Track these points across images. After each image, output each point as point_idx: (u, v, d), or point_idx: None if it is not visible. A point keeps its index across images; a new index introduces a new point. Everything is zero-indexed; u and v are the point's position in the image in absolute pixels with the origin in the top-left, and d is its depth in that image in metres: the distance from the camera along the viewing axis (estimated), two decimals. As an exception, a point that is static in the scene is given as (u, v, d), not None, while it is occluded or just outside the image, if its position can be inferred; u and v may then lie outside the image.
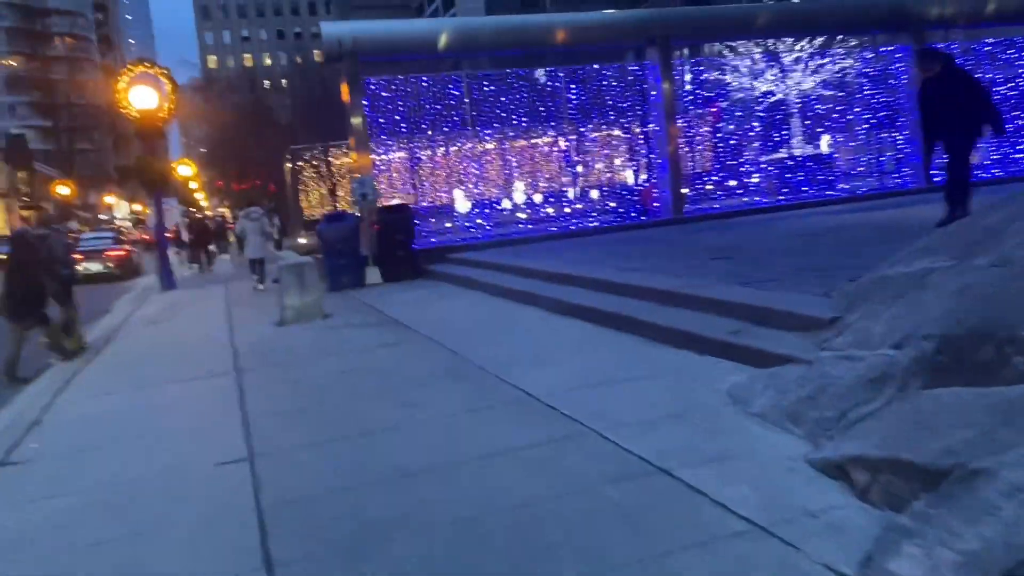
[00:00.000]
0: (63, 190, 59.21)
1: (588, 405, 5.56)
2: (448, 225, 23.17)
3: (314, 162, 33.16)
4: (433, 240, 18.42)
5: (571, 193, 20.73)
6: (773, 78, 20.71)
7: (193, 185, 70.59)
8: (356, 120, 16.82)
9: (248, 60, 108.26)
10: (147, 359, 10.00)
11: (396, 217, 15.70)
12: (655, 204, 19.64)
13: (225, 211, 57.94)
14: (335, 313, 11.83)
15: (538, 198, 21.84)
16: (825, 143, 21.15)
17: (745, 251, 11.41)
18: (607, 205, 19.81)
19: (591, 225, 18.86)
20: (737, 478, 4.07)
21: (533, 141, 20.03)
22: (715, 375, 5.90)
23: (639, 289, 8.69)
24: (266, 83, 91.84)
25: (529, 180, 21.01)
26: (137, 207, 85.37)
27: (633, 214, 19.44)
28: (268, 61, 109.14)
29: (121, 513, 4.62)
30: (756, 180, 20.48)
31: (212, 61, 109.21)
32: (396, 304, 12.26)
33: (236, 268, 27.04)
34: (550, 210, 20.82)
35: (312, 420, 6.16)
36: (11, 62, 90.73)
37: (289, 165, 38.15)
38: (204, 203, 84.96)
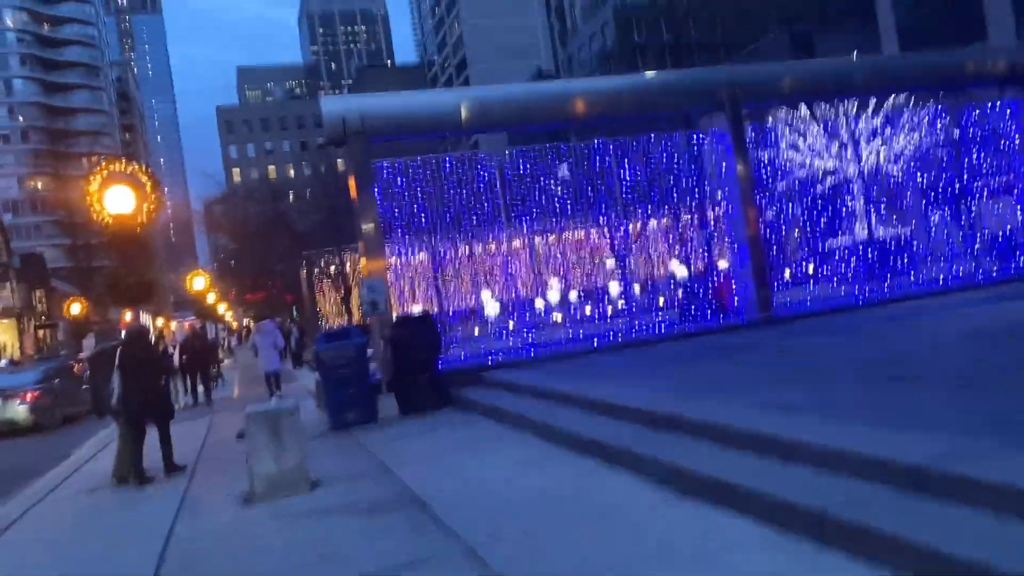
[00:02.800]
0: (76, 307, 56.81)
1: None
2: (477, 332, 19.67)
3: (329, 268, 30.14)
4: (463, 357, 14.85)
5: (628, 290, 17.18)
6: (865, 144, 17.34)
7: (212, 297, 68.47)
8: (365, 212, 13.57)
9: (272, 172, 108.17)
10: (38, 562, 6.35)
11: (416, 331, 12.18)
12: (734, 301, 16.01)
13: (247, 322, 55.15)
14: (328, 479, 8.17)
15: (575, 296, 18.35)
16: (932, 220, 17.57)
17: (927, 367, 7.75)
18: (673, 304, 16.19)
19: (659, 331, 15.19)
20: None
21: (579, 230, 16.64)
22: None
23: (851, 460, 4.92)
24: (289, 194, 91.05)
25: (575, 277, 17.53)
26: (161, 322, 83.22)
27: (708, 314, 15.78)
28: (291, 172, 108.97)
29: None
30: (851, 266, 16.83)
31: (236, 174, 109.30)
32: (416, 459, 8.58)
33: (241, 388, 23.56)
34: (595, 309, 17.27)
35: None
36: (36, 183, 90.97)
37: (305, 272, 35.32)
38: (228, 316, 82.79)
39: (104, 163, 17.26)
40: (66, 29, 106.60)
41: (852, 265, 16.68)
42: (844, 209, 17.32)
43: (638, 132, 16.18)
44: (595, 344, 14.67)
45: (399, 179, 14.11)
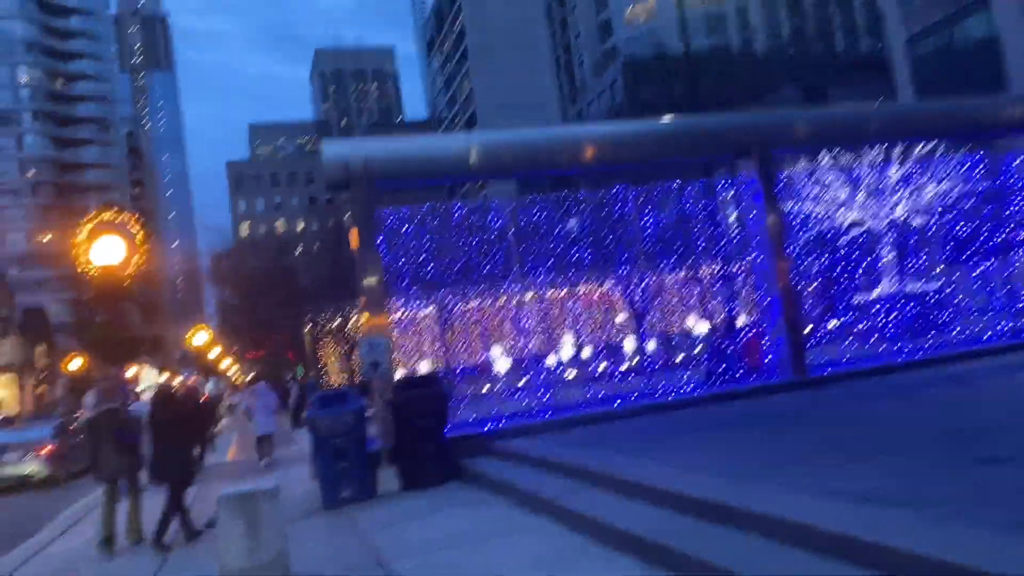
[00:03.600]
0: (76, 363, 55.65)
1: None
2: (486, 390, 18.50)
3: (333, 325, 29.07)
4: (471, 420, 13.64)
5: (647, 347, 16.02)
6: (897, 194, 16.32)
7: (216, 353, 67.29)
8: (368, 262, 12.52)
9: (280, 226, 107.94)
10: None
11: (421, 394, 11.00)
12: (765, 359, 14.82)
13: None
14: (312, 574, 6.95)
15: (589, 353, 17.25)
16: (974, 272, 16.44)
17: (1016, 443, 6.59)
18: (700, 363, 15.00)
19: (685, 392, 13.96)
20: None
21: (596, 283, 15.58)
22: None
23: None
24: (296, 249, 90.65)
25: (591, 332, 16.43)
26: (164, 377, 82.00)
27: (739, 374, 14.57)
28: (300, 227, 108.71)
29: None
30: (889, 322, 15.67)
31: (244, 228, 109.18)
32: (416, 550, 7.34)
33: (237, 450, 22.28)
34: (612, 367, 16.09)
35: None
36: (43, 236, 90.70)
37: (308, 328, 34.28)
38: (233, 372, 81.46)
39: (94, 212, 16.36)
40: (79, 86, 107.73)
41: (890, 321, 15.50)
42: (871, 261, 16.24)
43: (655, 180, 15.21)
44: (616, 406, 13.47)
45: (405, 227, 13.09)
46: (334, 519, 9.53)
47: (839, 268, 15.56)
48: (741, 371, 14.70)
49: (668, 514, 6.26)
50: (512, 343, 15.35)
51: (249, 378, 44.19)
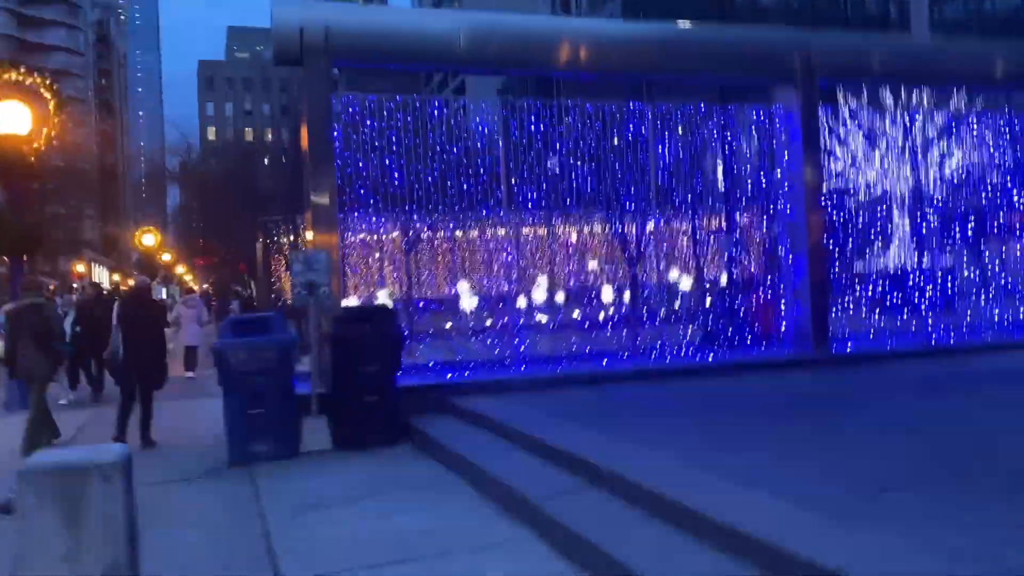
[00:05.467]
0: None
1: None
2: (449, 327, 16.20)
3: (288, 238, 26.47)
4: (431, 365, 11.36)
5: (639, 296, 13.78)
6: (962, 149, 14.04)
7: (167, 257, 64.10)
8: (319, 161, 10.00)
9: (249, 134, 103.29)
10: None
11: (370, 331, 8.61)
12: (780, 326, 12.66)
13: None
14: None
15: (560, 296, 14.99)
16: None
17: None
18: (705, 326, 12.78)
19: (685, 357, 11.77)
20: None
21: (592, 218, 13.22)
22: None
23: None
24: (265, 159, 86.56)
25: (579, 275, 14.15)
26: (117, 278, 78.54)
27: (747, 342, 12.39)
28: (269, 136, 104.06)
29: None
30: (923, 297, 13.54)
31: (211, 133, 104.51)
32: (329, 553, 5.05)
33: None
34: (589, 314, 13.87)
35: None
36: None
37: (261, 240, 31.63)
38: (191, 280, 78.20)
39: (-4, 70, 13.51)
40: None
41: (926, 295, 13.37)
42: (913, 225, 14.03)
43: (666, 101, 12.75)
44: (605, 365, 11.26)
45: (369, 122, 10.53)
46: (235, 486, 7.21)
47: (873, 229, 13.34)
48: (750, 339, 12.53)
49: (709, 547, 4.02)
50: (486, 279, 12.98)
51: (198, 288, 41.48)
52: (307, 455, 8.23)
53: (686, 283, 13.99)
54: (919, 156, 14.57)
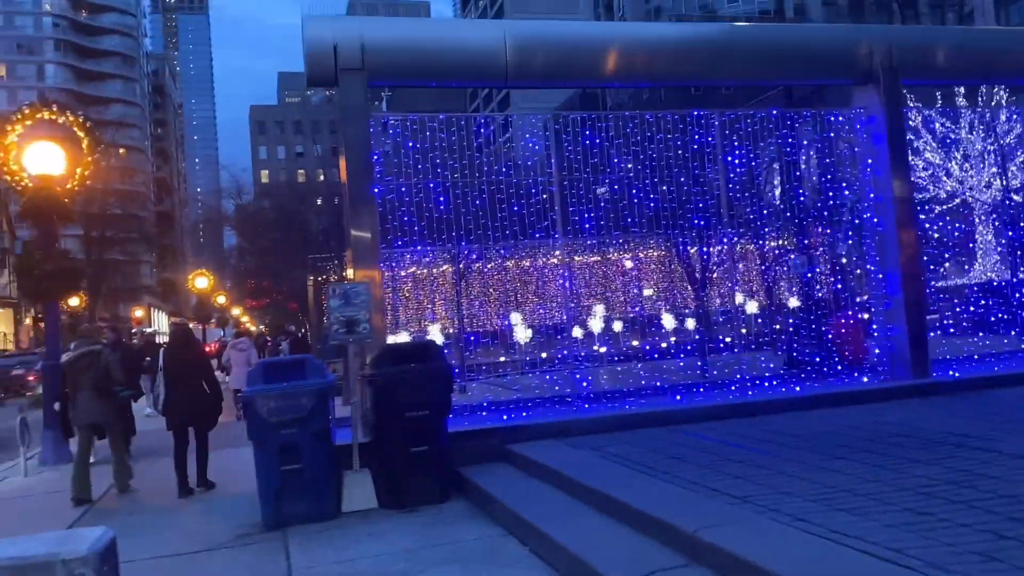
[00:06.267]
0: (74, 300, 52.91)
1: None
2: (503, 360, 15.33)
3: (335, 275, 25.90)
4: (484, 405, 10.35)
5: (710, 323, 12.62)
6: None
7: (222, 300, 64.47)
8: (357, 188, 9.17)
9: (301, 176, 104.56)
10: None
11: (415, 371, 7.64)
12: (872, 353, 11.38)
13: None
14: None
15: (617, 325, 13.93)
16: None
17: None
18: (789, 353, 11.55)
19: (771, 389, 10.54)
20: None
21: (655, 241, 12.14)
22: None
23: None
24: (318, 200, 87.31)
25: (642, 302, 13.05)
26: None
27: (839, 370, 11.10)
28: (322, 177, 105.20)
29: None
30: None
31: (264, 176, 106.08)
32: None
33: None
34: (646, 344, 12.73)
35: None
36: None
37: (312, 279, 31.16)
38: (247, 322, 78.66)
39: (28, 110, 13.07)
40: (104, 17, 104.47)
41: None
42: (1016, 233, 12.63)
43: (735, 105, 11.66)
44: (679, 401, 10.11)
45: (411, 144, 9.67)
46: (264, 559, 6.23)
47: (973, 240, 12.00)
48: (840, 367, 11.24)
49: None
50: (541, 309, 11.98)
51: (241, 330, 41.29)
52: (349, 516, 7.24)
53: (761, 306, 12.80)
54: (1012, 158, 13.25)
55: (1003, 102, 15.21)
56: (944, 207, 15.54)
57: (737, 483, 5.76)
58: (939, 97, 16.39)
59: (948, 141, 15.02)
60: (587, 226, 10.29)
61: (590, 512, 5.81)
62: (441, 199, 10.02)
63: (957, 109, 14.68)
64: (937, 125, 15.00)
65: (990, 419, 7.82)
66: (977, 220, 16.46)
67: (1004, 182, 14.28)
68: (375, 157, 9.48)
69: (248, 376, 7.38)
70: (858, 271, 11.49)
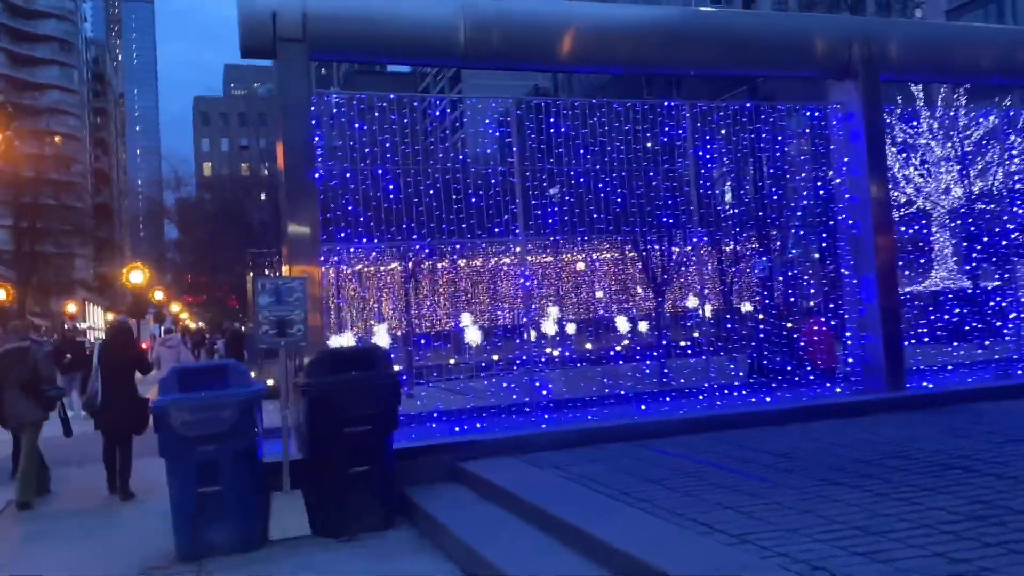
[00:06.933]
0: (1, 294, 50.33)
1: None
2: (453, 362, 14.58)
3: (274, 270, 24.67)
4: (434, 417, 9.48)
5: (670, 328, 11.93)
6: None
7: (159, 295, 62.21)
8: (294, 170, 8.23)
9: (245, 169, 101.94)
10: None
11: (354, 378, 6.72)
12: (843, 361, 10.80)
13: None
14: None
15: (571, 328, 13.24)
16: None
17: None
18: (757, 359, 10.90)
19: (739, 400, 9.86)
20: None
21: (619, 239, 11.40)
22: None
23: None
24: (262, 195, 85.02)
25: (598, 304, 12.32)
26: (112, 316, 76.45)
27: (809, 380, 10.48)
28: (266, 172, 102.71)
29: None
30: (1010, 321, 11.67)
31: (207, 168, 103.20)
32: None
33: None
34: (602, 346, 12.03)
35: None
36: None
37: (252, 276, 29.82)
38: (187, 319, 76.09)
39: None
40: (41, 0, 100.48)
41: (1011, 319, 11.49)
42: (994, 237, 12.19)
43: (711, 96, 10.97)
44: (644, 411, 9.36)
45: (357, 125, 8.73)
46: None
47: (948, 244, 11.52)
48: (810, 376, 10.62)
49: None
50: (497, 309, 11.16)
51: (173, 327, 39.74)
52: (277, 545, 6.30)
53: (727, 309, 12.16)
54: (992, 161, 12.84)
55: (962, 105, 14.82)
56: (903, 212, 15.17)
57: (728, 515, 4.99)
58: (899, 100, 16.04)
59: (907, 145, 14.61)
60: (551, 221, 9.48)
61: (559, 548, 4.98)
62: (391, 187, 9.09)
63: (918, 111, 14.21)
64: (897, 129, 14.56)
65: (985, 437, 7.22)
66: (934, 227, 16.18)
67: (965, 188, 13.92)
68: (316, 139, 8.54)
69: (160, 383, 6.37)
70: (832, 275, 10.89)
